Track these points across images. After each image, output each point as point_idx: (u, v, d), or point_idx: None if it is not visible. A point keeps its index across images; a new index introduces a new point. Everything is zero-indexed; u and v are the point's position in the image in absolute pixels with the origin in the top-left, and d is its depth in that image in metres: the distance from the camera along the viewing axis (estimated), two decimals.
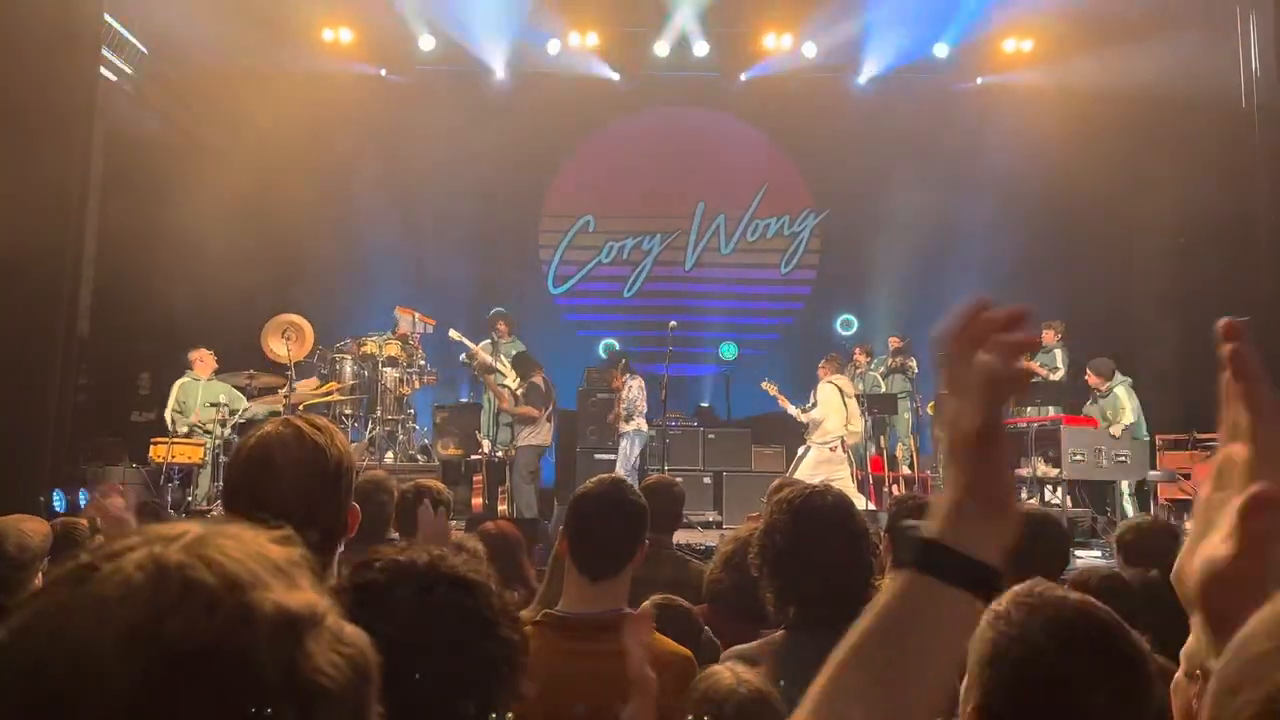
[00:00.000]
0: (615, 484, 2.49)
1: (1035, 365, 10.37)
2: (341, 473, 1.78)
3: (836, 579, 2.09)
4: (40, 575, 2.05)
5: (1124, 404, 9.36)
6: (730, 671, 1.78)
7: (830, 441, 9.34)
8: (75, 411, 8.21)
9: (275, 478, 1.72)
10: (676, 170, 13.56)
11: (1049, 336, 10.40)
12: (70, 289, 7.71)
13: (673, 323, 9.93)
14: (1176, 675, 1.89)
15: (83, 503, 7.23)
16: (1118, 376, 9.61)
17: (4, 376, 6.83)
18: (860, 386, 10.84)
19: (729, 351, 13.26)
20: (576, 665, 2.18)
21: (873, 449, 10.65)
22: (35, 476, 6.98)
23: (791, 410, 9.65)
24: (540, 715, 2.12)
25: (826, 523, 2.13)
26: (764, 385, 9.96)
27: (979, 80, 12.70)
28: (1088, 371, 9.79)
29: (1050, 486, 9.31)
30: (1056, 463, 9.03)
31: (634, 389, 9.73)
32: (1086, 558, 7.44)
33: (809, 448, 9.42)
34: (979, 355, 0.84)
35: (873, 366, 11.28)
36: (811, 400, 9.63)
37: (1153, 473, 9.28)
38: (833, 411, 9.37)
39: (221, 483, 7.44)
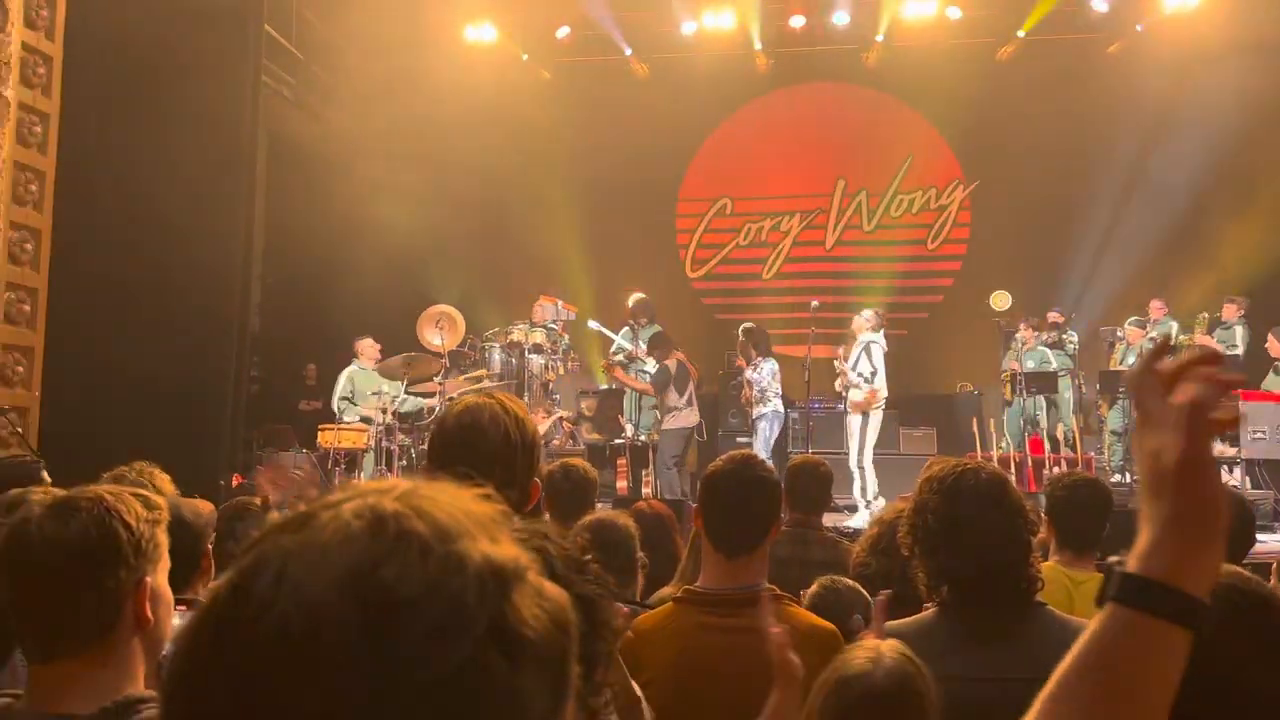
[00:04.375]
0: (746, 460, 2.47)
1: (1213, 341, 9.69)
2: (535, 444, 1.92)
3: (991, 557, 2.00)
4: (209, 548, 2.23)
5: None
6: (863, 650, 1.66)
7: (882, 404, 9.07)
8: (249, 401, 8.78)
9: (482, 440, 1.84)
10: (815, 146, 13.30)
11: (1231, 311, 9.75)
12: (242, 288, 8.24)
13: (815, 303, 9.72)
14: None
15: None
16: None
17: (186, 371, 7.38)
18: (1029, 364, 10.36)
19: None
20: (715, 640, 2.22)
21: (1031, 430, 10.17)
22: (213, 462, 7.52)
23: (852, 377, 9.08)
24: (678, 689, 2.14)
25: (979, 500, 2.04)
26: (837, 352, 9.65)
27: (1138, 28, 11.81)
28: (1269, 339, 9.05)
29: (1227, 467, 8.67)
30: (1235, 441, 8.40)
31: (765, 372, 9.37)
32: (1269, 542, 6.88)
33: (866, 415, 9.02)
34: (1181, 388, 0.87)
35: (1041, 342, 10.71)
36: (870, 366, 9.04)
37: None
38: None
39: (426, 445, 7.81)
